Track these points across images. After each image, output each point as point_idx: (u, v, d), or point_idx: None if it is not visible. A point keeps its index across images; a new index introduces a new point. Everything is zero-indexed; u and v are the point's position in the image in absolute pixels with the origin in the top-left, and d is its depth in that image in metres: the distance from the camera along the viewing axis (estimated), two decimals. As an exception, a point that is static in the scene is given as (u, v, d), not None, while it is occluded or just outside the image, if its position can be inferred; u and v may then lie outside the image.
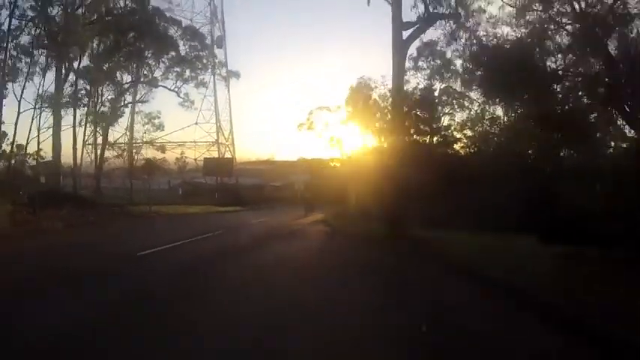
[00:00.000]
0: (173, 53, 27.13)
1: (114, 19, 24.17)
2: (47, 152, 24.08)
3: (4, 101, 20.32)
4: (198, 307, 5.38)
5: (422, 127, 22.88)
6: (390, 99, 19.34)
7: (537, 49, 13.57)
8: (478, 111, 23.36)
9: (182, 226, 19.26)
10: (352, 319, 5.03)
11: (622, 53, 9.87)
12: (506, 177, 14.27)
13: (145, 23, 24.35)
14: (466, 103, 24.05)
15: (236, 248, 11.62)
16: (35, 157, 24.01)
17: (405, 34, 15.13)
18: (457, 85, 23.23)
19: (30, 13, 21.57)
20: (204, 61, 28.94)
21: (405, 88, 18.81)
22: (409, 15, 21.01)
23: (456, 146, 23.14)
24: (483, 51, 14.84)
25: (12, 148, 22.58)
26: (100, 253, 10.21)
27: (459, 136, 23.45)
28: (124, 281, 7.01)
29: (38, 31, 22.18)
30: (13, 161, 22.90)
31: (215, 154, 44.58)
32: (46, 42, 22.26)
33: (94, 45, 23.90)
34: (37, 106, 20.93)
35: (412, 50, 17.57)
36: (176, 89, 29.15)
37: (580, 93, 14.15)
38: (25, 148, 21.83)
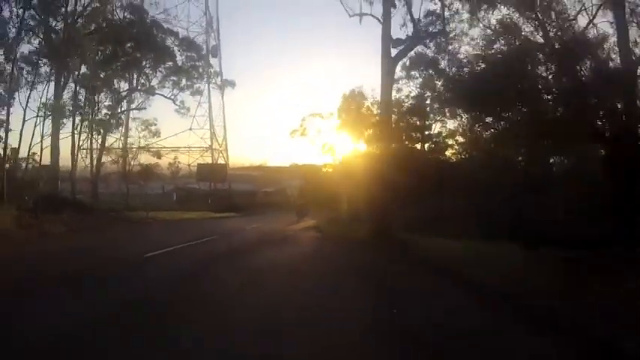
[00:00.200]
0: (170, 63, 27.89)
1: (112, 29, 24.88)
2: (44, 157, 24.56)
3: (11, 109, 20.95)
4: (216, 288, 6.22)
5: (413, 134, 23.74)
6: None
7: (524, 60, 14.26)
8: (469, 118, 24.08)
9: (181, 231, 19.96)
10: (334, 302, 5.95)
11: (591, 78, 10.81)
12: (495, 183, 14.80)
13: (144, 35, 25.09)
14: (458, 111, 24.78)
15: (232, 251, 12.56)
16: (30, 161, 24.39)
17: (395, 50, 16.14)
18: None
19: (31, 22, 22.24)
20: (200, 70, 29.68)
21: (397, 95, 19.85)
22: (399, 33, 22.02)
23: (448, 153, 23.91)
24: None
25: (9, 152, 23.01)
26: (110, 256, 10.99)
27: (450, 142, 24.16)
28: (140, 277, 8.05)
29: (38, 40, 22.89)
30: (7, 165, 23.38)
31: (208, 160, 45.20)
32: (46, 51, 22.89)
33: (93, 55, 24.49)
34: (39, 114, 21.51)
35: (405, 59, 18.47)
36: (172, 97, 29.90)
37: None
38: (28, 154, 22.30)
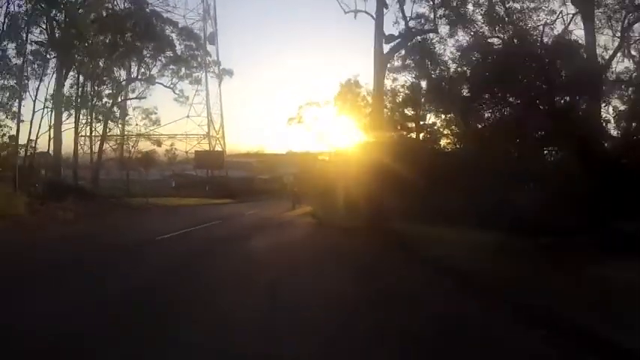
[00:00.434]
0: (170, 53, 28.46)
1: (113, 19, 25.38)
2: (44, 145, 25.24)
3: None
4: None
5: (408, 125, 24.47)
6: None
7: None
8: (464, 109, 24.74)
9: (182, 216, 20.90)
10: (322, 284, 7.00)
11: (561, 82, 11.78)
12: (490, 173, 15.64)
13: (144, 25, 25.62)
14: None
15: (236, 234, 13.69)
16: (29, 149, 24.98)
17: (387, 47, 16.92)
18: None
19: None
20: (199, 59, 30.25)
21: (392, 85, 20.74)
22: (392, 29, 22.83)
23: (442, 142, 24.64)
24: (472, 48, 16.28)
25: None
26: (126, 239, 12.01)
27: (445, 132, 24.86)
28: (163, 254, 9.50)
29: (39, 30, 23.38)
30: (4, 152, 24.04)
31: (205, 147, 45.79)
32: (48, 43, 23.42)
33: (94, 44, 25.00)
34: (46, 105, 22.20)
35: (400, 50, 19.29)
36: (172, 86, 30.53)
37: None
38: (35, 143, 23.01)
